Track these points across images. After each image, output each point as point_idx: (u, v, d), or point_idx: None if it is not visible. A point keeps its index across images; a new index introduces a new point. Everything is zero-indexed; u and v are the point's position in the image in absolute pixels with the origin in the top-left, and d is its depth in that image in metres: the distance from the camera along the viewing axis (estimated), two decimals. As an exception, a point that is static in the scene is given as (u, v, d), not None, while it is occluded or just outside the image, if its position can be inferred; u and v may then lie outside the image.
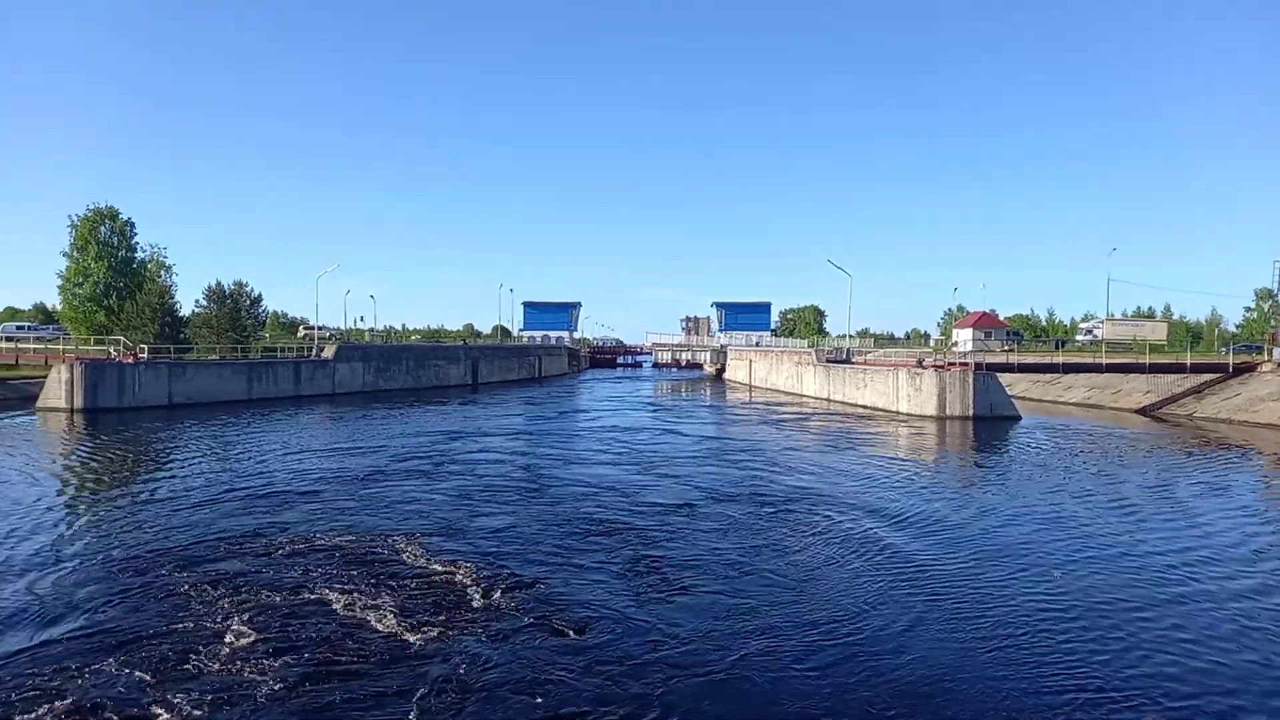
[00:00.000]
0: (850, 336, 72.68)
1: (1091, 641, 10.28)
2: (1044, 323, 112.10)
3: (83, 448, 28.36)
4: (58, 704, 8.17)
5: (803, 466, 25.39)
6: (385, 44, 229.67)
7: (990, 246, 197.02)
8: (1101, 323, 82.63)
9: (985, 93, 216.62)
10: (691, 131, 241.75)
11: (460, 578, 12.72)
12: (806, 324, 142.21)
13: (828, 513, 17.97)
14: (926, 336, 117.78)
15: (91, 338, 50.57)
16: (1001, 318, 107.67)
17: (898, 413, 42.25)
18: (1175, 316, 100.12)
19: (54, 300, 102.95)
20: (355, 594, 11.74)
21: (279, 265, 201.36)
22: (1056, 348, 70.09)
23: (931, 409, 39.53)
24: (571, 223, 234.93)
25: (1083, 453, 28.82)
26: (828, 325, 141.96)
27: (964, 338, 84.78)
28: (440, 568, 13.27)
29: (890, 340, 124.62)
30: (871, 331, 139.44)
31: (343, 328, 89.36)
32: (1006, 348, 75.66)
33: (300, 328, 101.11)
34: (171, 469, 23.78)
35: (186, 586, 12.09)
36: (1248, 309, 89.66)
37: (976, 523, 17.34)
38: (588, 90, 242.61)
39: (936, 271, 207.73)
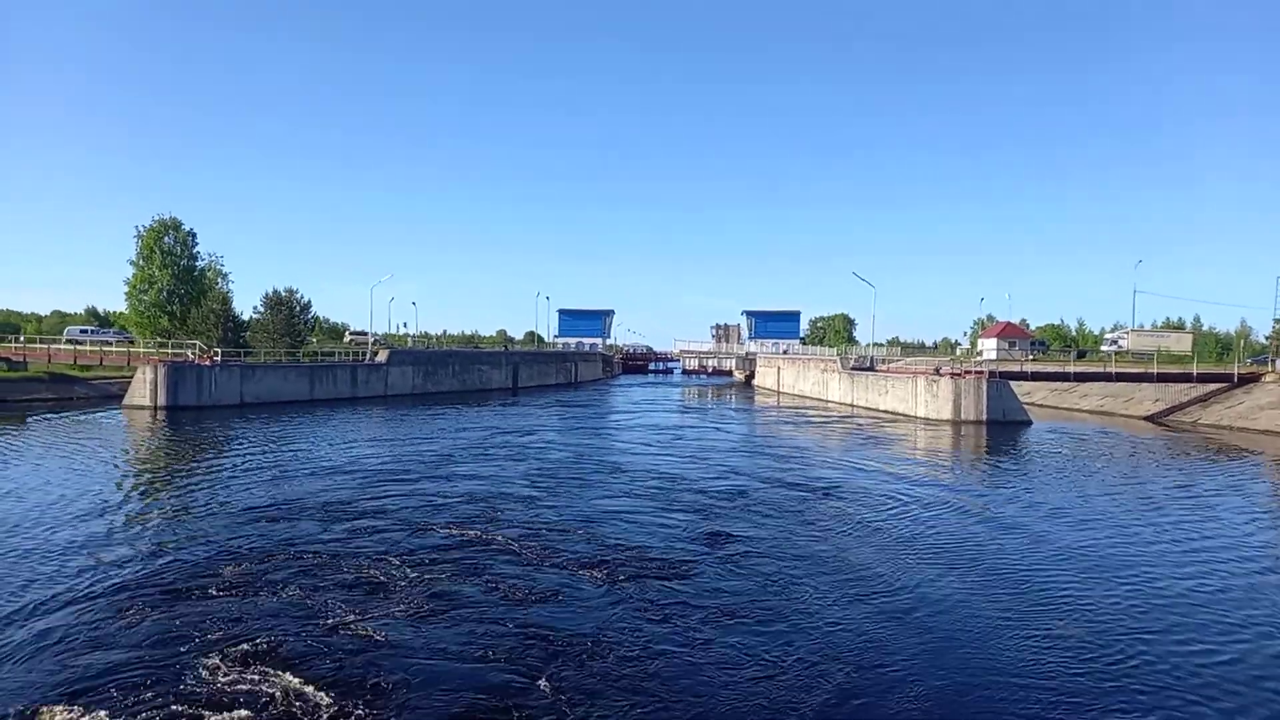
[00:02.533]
0: (876, 345, 75.24)
1: (1082, 611, 13.09)
2: (1074, 333, 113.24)
3: (178, 438, 32.08)
4: (196, 611, 11.45)
5: (832, 460, 28.60)
6: (390, 44, 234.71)
7: (1023, 257, 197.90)
8: (1127, 333, 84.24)
9: (1015, 101, 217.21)
10: (718, 137, 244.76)
11: (559, 533, 16.07)
12: (836, 332, 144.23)
13: (856, 498, 20.92)
14: (956, 345, 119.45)
15: (170, 342, 54.41)
16: (1033, 327, 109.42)
17: (916, 417, 44.90)
18: (1205, 328, 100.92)
19: (104, 304, 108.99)
20: (469, 537, 15.02)
21: (293, 268, 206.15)
22: (1078, 357, 71.97)
23: (947, 414, 42.15)
24: (601, 227, 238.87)
25: (1081, 453, 31.40)
26: (857, 334, 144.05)
27: (989, 347, 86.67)
28: (538, 526, 16.59)
29: (920, 348, 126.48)
30: (902, 340, 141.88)
31: (385, 333, 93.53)
32: (1030, 357, 77.65)
33: (346, 333, 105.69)
34: (268, 453, 27.29)
35: (319, 529, 15.41)
36: (1277, 320, 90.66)
37: (981, 509, 20.22)
38: (618, 96, 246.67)
39: (969, 280, 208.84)
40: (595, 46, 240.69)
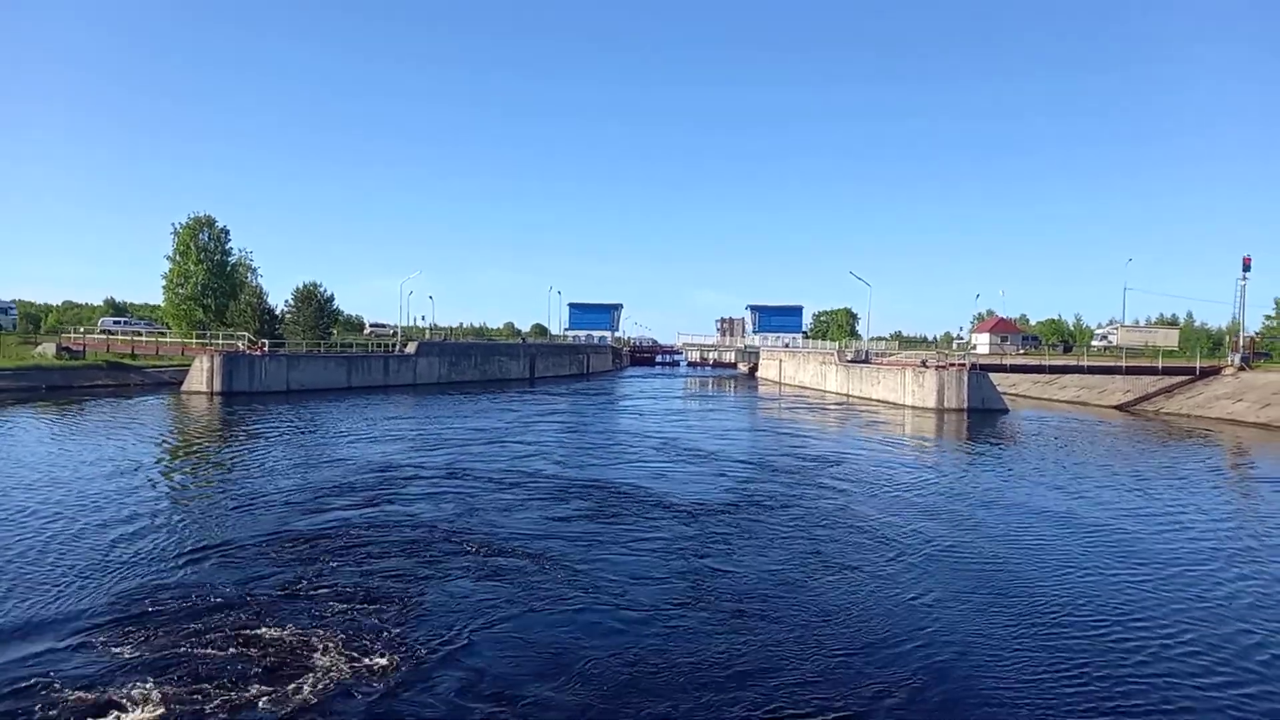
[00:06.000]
0: (878, 339, 79.59)
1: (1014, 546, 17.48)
2: (1071, 328, 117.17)
3: (248, 418, 36.35)
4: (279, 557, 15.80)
5: (833, 440, 33.43)
6: (387, 44, 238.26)
7: (1026, 254, 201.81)
8: (1117, 329, 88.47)
9: (1015, 103, 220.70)
10: (724, 138, 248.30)
11: (634, 486, 20.64)
12: (839, 326, 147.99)
13: (857, 467, 25.39)
14: (956, 339, 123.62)
15: (221, 333, 58.59)
16: (1033, 323, 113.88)
17: (904, 405, 49.15)
18: (1197, 324, 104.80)
19: (120, 295, 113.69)
20: (551, 489, 19.40)
21: (300, 261, 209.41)
22: (1064, 351, 76.11)
23: (932, 402, 46.40)
24: (608, 222, 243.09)
25: (1044, 435, 35.74)
26: (860, 328, 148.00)
27: (982, 341, 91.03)
28: (611, 484, 21.08)
29: (922, 342, 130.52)
30: (905, 334, 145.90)
31: (405, 326, 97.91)
32: (1021, 351, 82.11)
33: (366, 326, 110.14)
34: (332, 430, 31.67)
35: (410, 475, 19.78)
36: (1268, 317, 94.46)
37: (953, 474, 24.61)
38: (619, 100, 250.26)
39: (974, 276, 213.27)
40: (596, 49, 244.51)
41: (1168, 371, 49.34)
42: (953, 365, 47.70)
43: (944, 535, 16.28)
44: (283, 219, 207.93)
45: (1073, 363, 53.36)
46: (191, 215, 74.89)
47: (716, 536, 15.74)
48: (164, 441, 28.14)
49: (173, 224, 74.14)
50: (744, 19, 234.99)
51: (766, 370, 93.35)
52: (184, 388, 48.86)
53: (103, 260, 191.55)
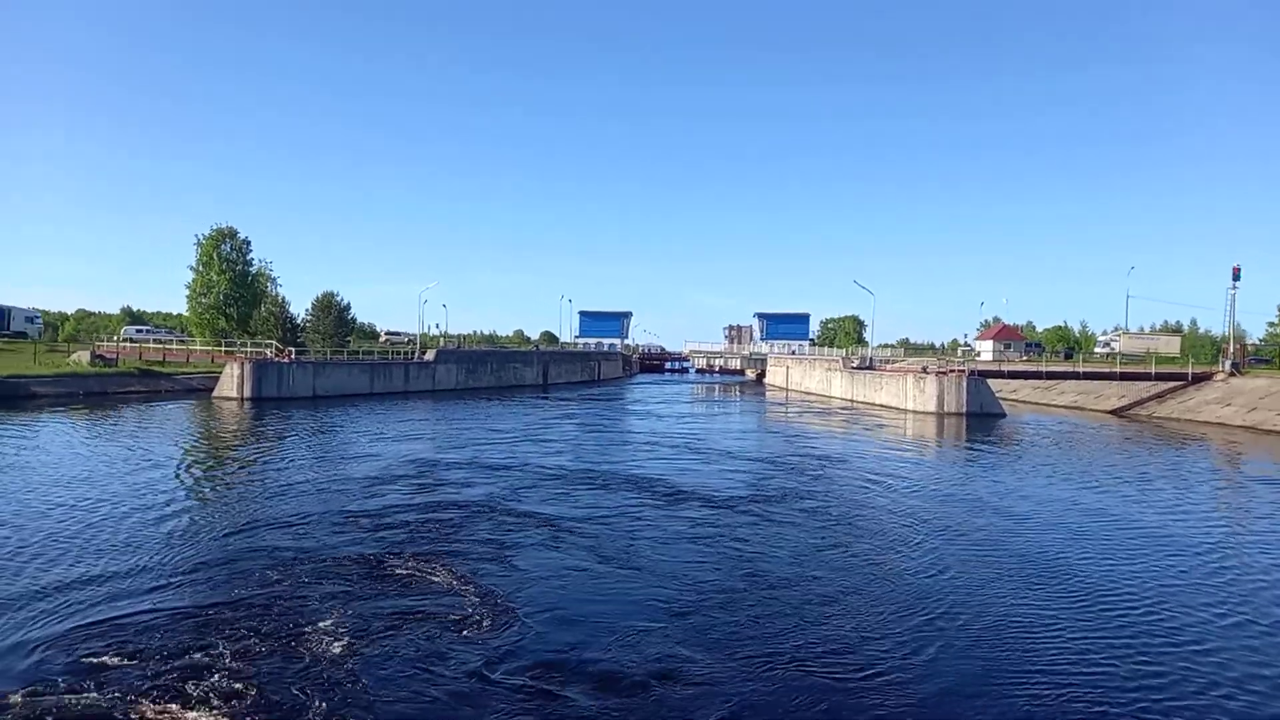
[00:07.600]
0: (884, 346, 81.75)
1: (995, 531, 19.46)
2: (1077, 335, 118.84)
3: (276, 422, 38.48)
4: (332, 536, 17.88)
5: (841, 440, 35.86)
6: (385, 43, 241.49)
7: (1033, 260, 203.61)
8: (1119, 336, 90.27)
9: (1014, 106, 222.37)
10: (730, 140, 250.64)
11: (664, 476, 23.01)
12: (846, 333, 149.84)
13: (864, 464, 27.59)
14: (963, 346, 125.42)
15: (249, 342, 60.94)
16: (1039, 330, 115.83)
17: (906, 410, 51.10)
18: (1201, 330, 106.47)
19: (129, 298, 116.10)
20: (591, 480, 21.47)
21: (307, 267, 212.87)
22: (1065, 358, 77.91)
23: (932, 407, 48.34)
24: (609, 222, 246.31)
25: (1035, 437, 37.63)
26: (867, 334, 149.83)
27: (985, 348, 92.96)
28: (644, 476, 23.25)
29: (930, 349, 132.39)
30: (912, 340, 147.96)
31: (421, 334, 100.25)
32: (1024, 358, 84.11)
33: (382, 334, 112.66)
34: (364, 431, 33.74)
35: (447, 465, 21.84)
36: (1271, 323, 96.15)
37: (951, 468, 26.55)
38: (619, 100, 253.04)
39: (983, 282, 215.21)
40: (596, 49, 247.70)
41: (1160, 377, 51.18)
42: (953, 371, 49.66)
43: (940, 521, 18.24)
44: (282, 219, 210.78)
45: (1069, 369, 55.27)
46: (214, 227, 76.89)
47: (745, 523, 17.68)
48: (209, 441, 30.36)
49: (195, 235, 76.26)
50: (744, 19, 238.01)
51: (774, 377, 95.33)
52: (215, 393, 51.02)
53: (102, 260, 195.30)
